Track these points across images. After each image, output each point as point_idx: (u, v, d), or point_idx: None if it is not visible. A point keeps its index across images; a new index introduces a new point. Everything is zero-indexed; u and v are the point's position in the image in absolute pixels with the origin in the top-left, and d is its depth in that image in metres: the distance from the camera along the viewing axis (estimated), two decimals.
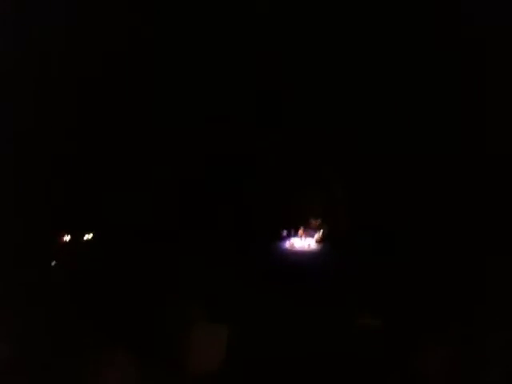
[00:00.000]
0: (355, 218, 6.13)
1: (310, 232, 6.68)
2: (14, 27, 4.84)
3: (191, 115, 6.02)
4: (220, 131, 6.04)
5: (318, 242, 6.61)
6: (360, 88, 5.84)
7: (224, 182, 6.17)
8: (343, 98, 5.92)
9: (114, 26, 5.37)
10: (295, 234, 6.68)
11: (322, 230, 6.64)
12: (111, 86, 5.59)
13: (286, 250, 6.45)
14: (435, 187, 5.62)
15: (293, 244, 6.55)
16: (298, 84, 5.99)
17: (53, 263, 5.53)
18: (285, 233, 6.66)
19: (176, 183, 6.03)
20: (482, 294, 4.72)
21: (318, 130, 6.06)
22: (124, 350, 3.99)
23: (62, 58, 5.28)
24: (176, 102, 5.94)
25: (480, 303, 4.58)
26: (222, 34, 5.72)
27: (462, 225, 5.37)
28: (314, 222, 6.67)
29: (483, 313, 4.40)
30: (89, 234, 5.92)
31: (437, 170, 5.62)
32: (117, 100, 5.74)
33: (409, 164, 5.76)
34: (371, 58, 5.74)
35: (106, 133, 5.77)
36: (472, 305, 4.61)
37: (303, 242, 6.58)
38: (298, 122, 6.10)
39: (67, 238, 5.82)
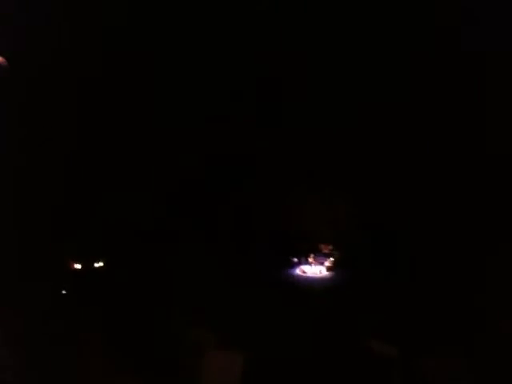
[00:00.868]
0: (366, 243, 6.10)
1: (320, 259, 6.65)
2: (14, 27, 4.92)
3: (191, 115, 6.06)
4: (220, 132, 6.05)
5: (329, 269, 6.57)
6: (361, 90, 5.87)
7: (224, 203, 6.17)
8: (344, 101, 5.95)
9: (113, 25, 5.45)
10: (306, 261, 6.65)
11: (332, 257, 6.61)
12: (111, 87, 5.65)
13: (298, 276, 6.41)
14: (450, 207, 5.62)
15: (303, 270, 6.51)
16: (299, 85, 6.03)
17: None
18: (295, 260, 6.64)
19: (176, 184, 6.01)
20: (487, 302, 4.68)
21: (320, 133, 6.07)
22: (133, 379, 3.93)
23: (62, 59, 5.35)
24: (176, 103, 5.99)
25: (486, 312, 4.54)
26: (222, 34, 5.77)
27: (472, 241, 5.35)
28: (325, 249, 6.65)
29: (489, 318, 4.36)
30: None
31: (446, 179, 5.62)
32: (116, 101, 5.80)
33: (421, 185, 5.77)
34: (373, 58, 5.77)
35: (106, 133, 5.80)
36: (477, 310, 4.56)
37: (314, 269, 6.54)
38: (299, 126, 6.11)
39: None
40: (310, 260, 6.62)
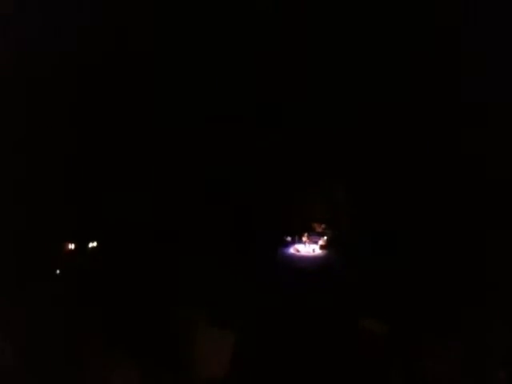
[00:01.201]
0: (358, 222, 6.14)
1: (314, 238, 6.69)
2: (14, 27, 4.85)
3: (191, 116, 6.04)
4: (220, 132, 6.04)
5: (322, 247, 6.63)
6: (361, 89, 5.87)
7: (225, 186, 6.18)
8: (344, 100, 5.95)
9: (115, 26, 5.39)
10: (299, 240, 6.70)
11: (326, 236, 6.66)
12: (112, 87, 5.60)
13: (291, 255, 6.46)
14: (438, 190, 5.65)
15: (297, 249, 6.56)
16: (299, 85, 6.02)
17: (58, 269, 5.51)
18: (289, 239, 6.69)
19: (178, 184, 6.02)
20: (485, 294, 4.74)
21: (320, 131, 6.08)
22: (129, 356, 3.97)
23: (63, 59, 5.29)
24: (176, 103, 5.97)
25: (483, 303, 4.60)
26: (223, 35, 5.75)
27: (466, 226, 5.40)
28: (318, 228, 6.69)
29: (487, 313, 4.42)
30: (93, 239, 5.91)
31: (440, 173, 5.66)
32: (117, 101, 5.76)
33: (408, 165, 5.79)
34: (374, 60, 5.78)
35: (107, 134, 5.77)
36: (474, 305, 4.63)
37: (308, 248, 6.59)
38: (299, 123, 6.12)
39: (72, 243, 5.81)
40: (304, 239, 6.67)
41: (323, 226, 6.69)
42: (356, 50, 5.70)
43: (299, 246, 6.61)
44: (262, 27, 5.65)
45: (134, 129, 5.91)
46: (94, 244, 5.91)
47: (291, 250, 6.56)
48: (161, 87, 5.91)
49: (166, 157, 6.02)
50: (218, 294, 5.18)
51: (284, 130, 6.15)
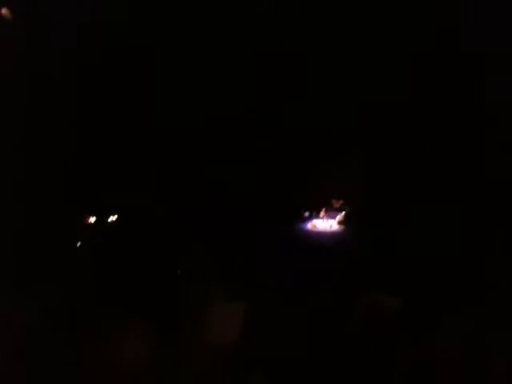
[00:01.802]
0: (375, 198, 6.04)
1: (331, 213, 6.62)
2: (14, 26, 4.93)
3: (191, 115, 6.03)
4: (220, 132, 6.02)
5: (340, 223, 6.55)
6: (361, 89, 5.85)
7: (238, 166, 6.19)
8: (345, 98, 5.93)
9: (113, 24, 5.42)
10: (317, 216, 6.64)
11: (344, 212, 6.57)
12: (111, 86, 5.65)
13: (308, 230, 6.43)
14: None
15: (315, 225, 6.51)
16: (299, 84, 5.98)
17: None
18: (307, 214, 6.63)
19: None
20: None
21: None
22: (139, 324, 4.07)
23: (62, 57, 5.35)
24: (176, 103, 5.96)
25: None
26: (222, 34, 5.71)
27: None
28: (336, 203, 6.61)
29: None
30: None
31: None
32: (116, 101, 5.79)
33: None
34: (374, 58, 5.72)
35: (106, 133, 5.85)
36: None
37: (325, 224, 6.53)
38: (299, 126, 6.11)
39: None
40: (321, 215, 6.60)
41: (341, 201, 6.59)
42: (357, 48, 5.64)
43: (317, 222, 6.55)
44: (262, 27, 5.58)
45: (133, 128, 5.95)
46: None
47: (308, 226, 6.52)
48: (160, 87, 5.89)
49: (166, 156, 6.04)
50: (230, 265, 5.23)
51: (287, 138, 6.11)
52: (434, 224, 5.49)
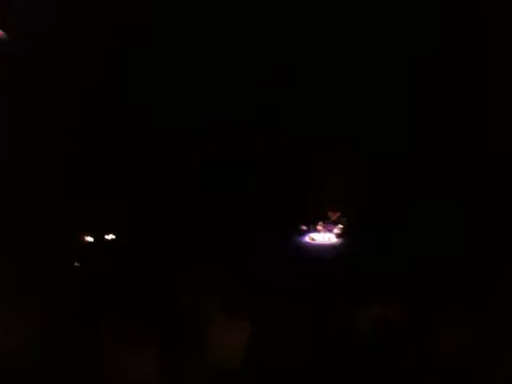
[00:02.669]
0: (372, 210, 6.08)
1: (329, 226, 6.65)
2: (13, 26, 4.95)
3: (191, 115, 6.09)
4: (220, 131, 6.06)
5: (338, 236, 6.58)
6: (361, 89, 5.90)
7: (235, 178, 6.20)
8: (344, 99, 6.00)
9: (113, 24, 5.45)
10: (314, 229, 6.66)
11: (341, 224, 6.61)
12: (111, 87, 5.67)
13: (306, 243, 6.45)
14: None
15: (313, 238, 6.54)
16: (299, 84, 6.05)
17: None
18: (304, 227, 6.66)
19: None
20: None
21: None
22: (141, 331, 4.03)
23: (62, 58, 5.37)
24: (176, 103, 6.02)
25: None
26: (223, 35, 5.78)
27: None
28: (333, 216, 6.64)
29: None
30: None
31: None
32: (116, 101, 5.85)
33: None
34: (374, 58, 5.79)
35: (106, 133, 5.87)
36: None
37: (323, 236, 6.55)
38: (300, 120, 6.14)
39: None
40: (319, 227, 6.63)
41: (338, 214, 6.63)
42: (356, 48, 5.71)
43: (314, 235, 6.58)
44: (262, 26, 5.66)
45: (133, 128, 5.99)
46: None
47: (306, 239, 6.54)
48: (160, 87, 5.95)
49: (165, 156, 6.07)
50: (233, 281, 5.21)
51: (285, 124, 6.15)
52: (431, 236, 5.52)
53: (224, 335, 4.47)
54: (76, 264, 5.59)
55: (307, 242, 6.51)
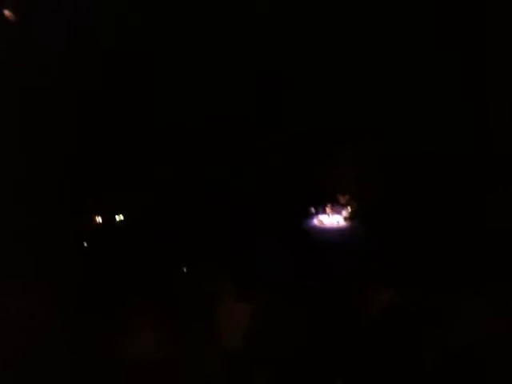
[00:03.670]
0: (382, 193, 6.04)
1: (338, 209, 6.63)
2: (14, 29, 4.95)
3: (191, 115, 6.06)
4: (220, 131, 6.03)
5: (346, 219, 6.56)
6: (362, 89, 5.88)
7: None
8: (345, 98, 5.98)
9: (113, 25, 5.43)
10: (323, 212, 6.65)
11: (350, 207, 6.58)
12: (110, 87, 5.66)
13: (315, 226, 6.44)
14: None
15: (321, 221, 6.53)
16: (299, 84, 6.03)
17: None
18: (313, 210, 6.64)
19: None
20: None
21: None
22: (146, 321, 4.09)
23: (62, 59, 5.38)
24: (176, 102, 5.99)
25: None
26: (222, 34, 5.74)
27: None
28: (343, 199, 6.61)
29: None
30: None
31: None
32: (115, 100, 5.84)
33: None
34: (375, 56, 5.74)
35: (105, 133, 5.87)
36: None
37: (331, 219, 6.54)
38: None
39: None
40: (328, 210, 6.61)
41: (347, 197, 6.60)
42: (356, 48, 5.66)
43: (323, 218, 6.56)
44: (263, 26, 5.59)
45: (133, 128, 5.97)
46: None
47: (315, 222, 6.53)
48: (159, 86, 5.93)
49: (165, 156, 6.05)
50: (242, 264, 5.24)
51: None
52: (441, 218, 5.50)
53: (234, 316, 4.52)
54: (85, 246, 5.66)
55: (316, 225, 6.50)
